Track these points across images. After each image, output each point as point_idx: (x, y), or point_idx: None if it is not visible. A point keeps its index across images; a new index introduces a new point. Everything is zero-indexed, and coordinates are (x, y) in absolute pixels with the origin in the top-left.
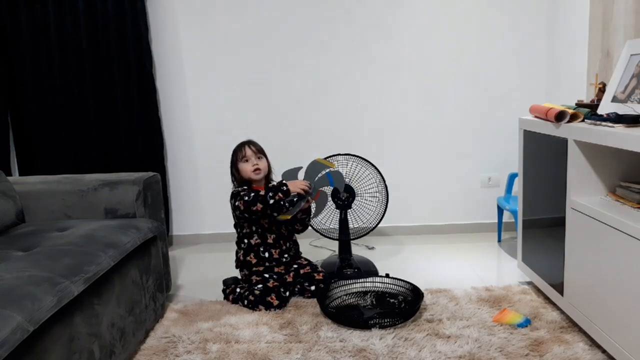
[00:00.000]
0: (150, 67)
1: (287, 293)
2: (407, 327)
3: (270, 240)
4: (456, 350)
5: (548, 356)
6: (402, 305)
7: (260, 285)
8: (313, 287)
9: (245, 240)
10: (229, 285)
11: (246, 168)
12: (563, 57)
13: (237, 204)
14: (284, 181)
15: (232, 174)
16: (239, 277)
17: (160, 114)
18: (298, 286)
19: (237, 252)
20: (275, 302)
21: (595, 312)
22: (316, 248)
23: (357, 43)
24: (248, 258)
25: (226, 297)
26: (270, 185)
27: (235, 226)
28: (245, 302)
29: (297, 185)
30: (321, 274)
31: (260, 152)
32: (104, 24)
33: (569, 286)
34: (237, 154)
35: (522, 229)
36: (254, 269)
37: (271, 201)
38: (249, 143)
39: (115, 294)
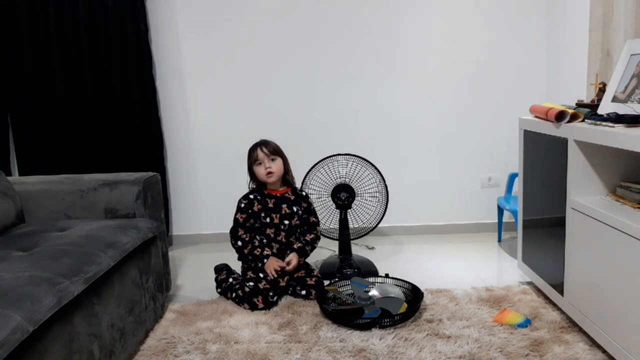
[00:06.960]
0: (150, 67)
1: (275, 298)
2: (407, 327)
3: (274, 250)
4: (456, 351)
5: (548, 356)
6: None
7: (251, 283)
8: (304, 292)
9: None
10: (219, 271)
11: (260, 172)
12: (563, 57)
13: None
14: (265, 256)
15: (249, 175)
16: (234, 267)
17: (160, 114)
18: (290, 289)
19: None
20: (260, 305)
21: (596, 312)
22: (316, 248)
23: (357, 44)
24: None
25: (218, 286)
26: (256, 251)
27: None
28: (234, 295)
29: (270, 266)
30: (314, 279)
31: (274, 152)
32: (103, 24)
33: (569, 286)
34: (251, 157)
35: (522, 229)
36: (252, 264)
37: (240, 251)
38: (262, 145)
39: (115, 294)
